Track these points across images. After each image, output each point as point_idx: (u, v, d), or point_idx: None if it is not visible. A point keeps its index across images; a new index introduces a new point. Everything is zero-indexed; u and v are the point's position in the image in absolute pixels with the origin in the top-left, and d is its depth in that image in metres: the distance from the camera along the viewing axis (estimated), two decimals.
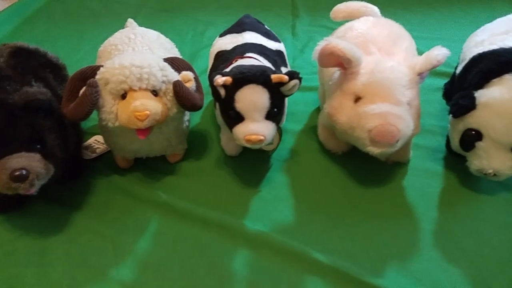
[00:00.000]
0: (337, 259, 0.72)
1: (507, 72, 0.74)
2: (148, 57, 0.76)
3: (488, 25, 0.94)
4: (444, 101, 1.05)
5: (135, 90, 0.74)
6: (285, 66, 0.94)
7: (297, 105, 1.10)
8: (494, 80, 0.75)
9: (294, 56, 1.34)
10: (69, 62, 1.00)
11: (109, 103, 0.74)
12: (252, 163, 0.93)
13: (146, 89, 0.74)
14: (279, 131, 0.89)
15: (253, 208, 0.83)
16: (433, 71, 1.15)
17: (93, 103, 0.72)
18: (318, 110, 1.06)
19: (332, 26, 0.97)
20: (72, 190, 0.86)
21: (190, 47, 1.42)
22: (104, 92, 0.75)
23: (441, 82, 1.08)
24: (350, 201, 0.83)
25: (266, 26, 1.04)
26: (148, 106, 0.72)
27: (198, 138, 1.00)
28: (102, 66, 0.75)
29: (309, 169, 0.91)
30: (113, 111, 0.75)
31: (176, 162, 0.93)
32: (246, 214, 0.81)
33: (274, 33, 1.01)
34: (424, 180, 0.87)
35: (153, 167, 0.92)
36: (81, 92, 0.74)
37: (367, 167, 0.89)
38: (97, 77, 0.75)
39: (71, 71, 0.83)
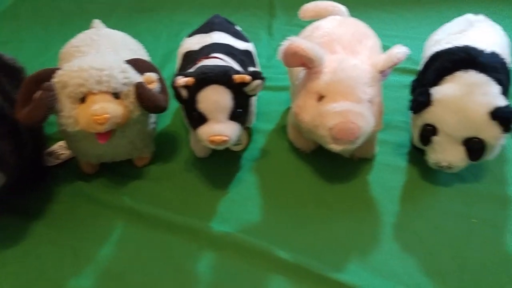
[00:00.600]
0: (300, 256, 0.72)
1: (458, 69, 0.76)
2: (109, 59, 0.75)
3: (447, 25, 0.97)
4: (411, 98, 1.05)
5: (94, 93, 0.72)
6: (253, 65, 0.93)
7: (270, 104, 1.10)
8: (447, 77, 0.77)
9: (269, 56, 1.34)
10: (35, 64, 0.99)
11: (67, 107, 0.73)
12: (222, 164, 0.92)
13: (106, 92, 0.73)
14: (248, 131, 0.89)
15: (221, 210, 0.82)
16: (401, 69, 1.18)
17: (48, 107, 0.70)
18: (289, 110, 1.06)
19: (307, 26, 0.98)
20: (33, 198, 0.84)
21: (164, 48, 1.41)
22: (62, 96, 0.73)
23: (408, 79, 1.07)
24: (317, 198, 0.84)
25: (236, 26, 1.03)
26: (107, 109, 0.71)
27: (167, 140, 0.99)
28: (59, 68, 0.74)
29: (279, 168, 0.91)
30: (72, 115, 0.73)
31: (143, 166, 0.91)
32: (213, 216, 0.81)
33: (243, 33, 1.01)
34: (388, 175, 0.88)
35: (119, 171, 0.90)
36: (35, 96, 0.72)
37: (334, 164, 0.90)
38: (54, 80, 0.73)
39: None
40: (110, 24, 1.16)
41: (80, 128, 0.73)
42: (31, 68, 0.95)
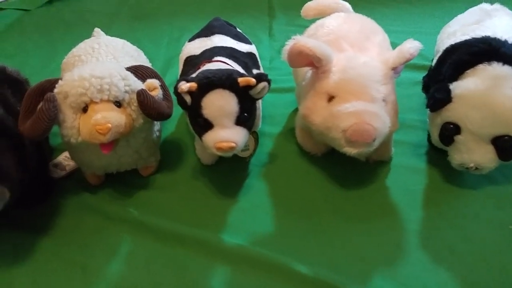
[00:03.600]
0: (319, 268, 0.68)
1: (480, 62, 0.72)
2: (109, 67, 0.72)
3: (459, 16, 0.92)
4: (424, 95, 1.02)
5: (96, 103, 0.70)
6: (257, 68, 0.90)
7: (275, 107, 1.07)
8: (468, 71, 0.72)
9: (271, 57, 1.31)
10: (40, 76, 0.95)
11: (70, 118, 0.70)
12: (229, 171, 0.89)
13: (108, 101, 0.71)
14: (255, 135, 0.85)
15: (231, 220, 0.79)
16: (412, 65, 1.14)
17: (50, 118, 0.68)
18: (297, 111, 1.02)
19: (309, 25, 0.95)
20: (40, 213, 0.81)
21: (165, 54, 1.39)
22: (64, 107, 0.71)
23: (420, 75, 1.05)
24: (331, 205, 0.80)
25: (237, 29, 1.00)
26: (110, 119, 0.68)
27: (172, 148, 0.96)
28: (60, 79, 0.71)
29: (288, 173, 0.88)
30: (75, 126, 0.71)
31: (149, 175, 0.88)
32: (224, 227, 0.77)
33: (245, 35, 0.98)
34: (407, 178, 0.84)
35: (125, 181, 0.87)
36: (38, 107, 0.69)
37: (348, 168, 0.86)
38: (55, 90, 0.71)
39: None
40: (112, 32, 1.14)
41: (83, 139, 0.70)
42: (36, 80, 0.91)
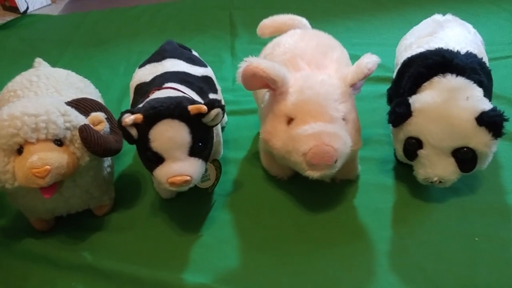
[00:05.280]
0: None
1: (435, 74, 0.70)
2: (45, 102, 0.66)
3: (415, 28, 0.93)
4: (389, 108, 0.99)
5: (32, 143, 0.63)
6: (215, 92, 0.86)
7: (239, 130, 1.03)
8: (425, 84, 0.71)
9: (234, 78, 1.25)
10: None
11: (1, 162, 0.63)
12: (191, 204, 0.83)
13: (46, 140, 0.64)
14: (217, 163, 0.80)
15: (194, 257, 0.73)
16: (375, 78, 1.13)
17: None
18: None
19: None
20: None
21: (123, 81, 1.32)
22: None
23: (384, 88, 1.02)
24: (300, 231, 0.75)
25: (192, 51, 0.96)
26: (47, 160, 0.62)
27: (128, 183, 0.89)
28: None
29: (255, 201, 0.83)
30: (8, 170, 0.64)
31: (104, 215, 0.81)
32: (186, 266, 0.71)
33: (200, 58, 0.93)
34: (375, 196, 0.81)
35: (77, 224, 0.80)
36: None
37: (315, 190, 0.82)
38: None
39: None
40: (64, 60, 1.07)
41: (19, 184, 0.63)
42: None
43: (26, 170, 0.61)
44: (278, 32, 0.92)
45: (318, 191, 0.82)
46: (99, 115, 0.70)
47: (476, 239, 0.71)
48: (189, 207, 0.82)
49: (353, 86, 0.72)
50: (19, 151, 0.64)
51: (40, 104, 0.65)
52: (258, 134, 1.00)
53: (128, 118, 0.63)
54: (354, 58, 0.83)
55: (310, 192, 0.82)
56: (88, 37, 1.64)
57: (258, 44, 1.44)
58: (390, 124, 0.73)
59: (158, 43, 0.96)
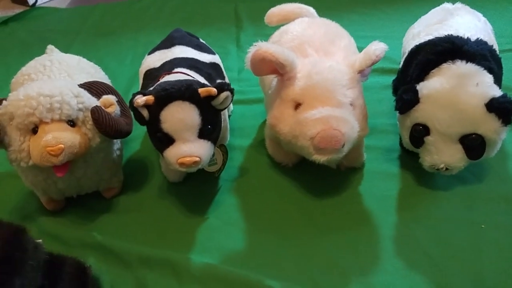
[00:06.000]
0: (293, 284, 0.64)
1: (444, 61, 0.70)
2: (59, 84, 0.68)
3: (423, 17, 0.92)
4: (394, 98, 1.00)
5: (47, 123, 0.65)
6: (222, 78, 0.87)
7: (244, 119, 1.04)
8: (433, 71, 0.71)
9: (240, 69, 1.28)
10: None
11: (17, 141, 0.65)
12: (198, 187, 0.84)
13: (60, 120, 0.66)
14: (224, 149, 0.81)
15: (200, 239, 0.74)
16: (380, 69, 1.14)
17: None
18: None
19: None
20: None
21: (130, 70, 1.34)
22: (10, 129, 0.65)
23: (389, 79, 1.03)
24: (305, 216, 0.76)
25: (200, 39, 0.97)
26: (61, 139, 0.64)
27: (136, 166, 0.91)
28: (4, 99, 0.66)
29: (260, 186, 0.84)
30: (24, 148, 0.65)
31: (113, 197, 0.83)
32: (193, 247, 0.73)
33: (207, 45, 0.95)
34: (380, 183, 0.81)
35: (87, 205, 0.82)
36: None
37: (320, 177, 0.83)
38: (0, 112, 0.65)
39: None
40: (72, 51, 1.08)
41: (34, 162, 0.65)
42: None
43: (41, 149, 0.63)
44: (286, 20, 0.93)
45: (323, 178, 0.83)
46: (110, 98, 0.72)
47: (483, 226, 0.71)
48: (195, 190, 0.84)
49: (361, 72, 0.73)
50: (34, 130, 0.65)
51: (54, 86, 0.67)
52: (263, 122, 1.01)
53: (140, 99, 0.65)
54: (359, 50, 0.84)
55: (315, 179, 0.83)
56: (95, 29, 1.65)
57: (264, 36, 1.44)
58: (397, 111, 0.74)
59: (164, 34, 0.97)
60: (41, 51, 0.95)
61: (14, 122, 0.65)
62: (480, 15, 0.89)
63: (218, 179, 0.86)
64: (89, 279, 0.63)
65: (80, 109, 0.68)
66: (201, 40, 0.97)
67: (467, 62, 0.69)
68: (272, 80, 0.81)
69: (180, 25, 1.62)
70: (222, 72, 0.90)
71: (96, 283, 0.66)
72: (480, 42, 0.74)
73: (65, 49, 1.00)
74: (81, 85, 0.71)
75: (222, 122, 0.77)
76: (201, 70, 0.81)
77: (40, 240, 0.58)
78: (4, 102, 0.66)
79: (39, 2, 1.92)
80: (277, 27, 0.96)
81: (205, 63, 0.85)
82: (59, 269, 0.60)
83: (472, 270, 0.65)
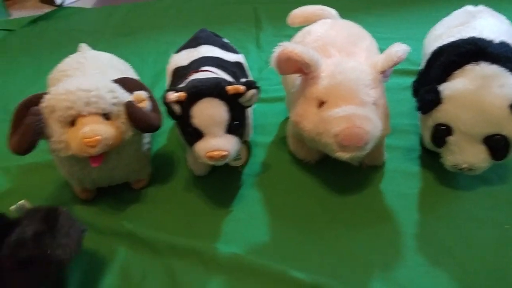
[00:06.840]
0: (317, 275, 0.66)
1: (467, 62, 0.72)
2: (95, 80, 0.72)
3: (445, 19, 0.93)
4: (414, 99, 1.02)
5: (84, 116, 0.69)
6: (246, 77, 0.90)
7: (266, 116, 1.06)
8: (456, 72, 0.72)
9: (260, 68, 1.31)
10: (27, 95, 0.95)
11: (57, 132, 0.69)
12: (222, 181, 0.88)
13: (96, 114, 0.70)
14: (247, 145, 0.85)
15: (225, 230, 0.77)
16: (400, 70, 1.16)
17: (36, 132, 0.67)
18: (288, 120, 1.02)
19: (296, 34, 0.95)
20: None
21: (153, 69, 1.38)
22: (51, 121, 0.70)
23: (409, 80, 1.04)
24: (327, 212, 0.79)
25: (224, 39, 1.00)
26: (98, 131, 0.67)
27: (163, 160, 0.94)
28: (46, 93, 0.70)
29: (282, 181, 0.87)
30: (63, 140, 0.69)
31: (141, 188, 0.87)
32: (219, 237, 0.76)
33: (232, 45, 0.98)
34: (401, 182, 0.83)
35: (117, 195, 0.86)
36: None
37: (342, 174, 0.86)
38: (42, 105, 0.70)
39: None
40: (98, 49, 1.13)
41: (72, 153, 0.69)
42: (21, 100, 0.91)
43: (79, 140, 0.67)
44: (308, 22, 0.96)
45: (345, 175, 0.85)
46: (142, 94, 0.76)
47: (507, 226, 0.72)
48: (220, 184, 0.87)
49: (383, 73, 0.75)
50: (72, 123, 0.69)
51: (91, 81, 0.71)
52: (284, 120, 1.04)
53: (173, 95, 0.68)
54: (380, 51, 0.85)
55: (337, 176, 0.85)
56: (119, 28, 1.71)
57: (283, 36, 1.49)
58: (419, 111, 0.76)
59: (184, 34, 1.01)
60: (68, 50, 1.00)
61: (55, 114, 0.69)
62: (503, 17, 0.90)
63: (241, 174, 0.89)
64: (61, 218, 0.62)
65: (114, 104, 0.72)
66: (226, 40, 1.00)
67: (491, 63, 0.70)
68: (295, 79, 0.83)
69: (200, 25, 1.65)
70: (246, 71, 0.93)
71: (73, 224, 0.64)
72: (504, 45, 0.74)
73: (91, 47, 1.04)
74: (115, 81, 0.75)
75: (247, 118, 0.80)
76: (227, 68, 0.84)
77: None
78: (46, 95, 0.70)
79: (66, 2, 1.98)
80: (296, 29, 0.98)
81: (230, 62, 0.88)
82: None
83: (495, 270, 0.66)
